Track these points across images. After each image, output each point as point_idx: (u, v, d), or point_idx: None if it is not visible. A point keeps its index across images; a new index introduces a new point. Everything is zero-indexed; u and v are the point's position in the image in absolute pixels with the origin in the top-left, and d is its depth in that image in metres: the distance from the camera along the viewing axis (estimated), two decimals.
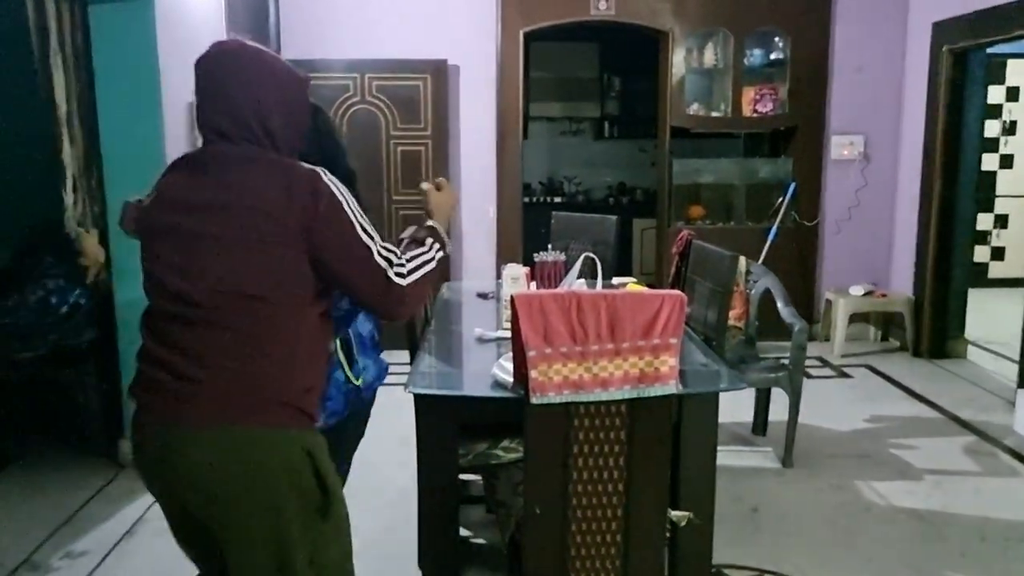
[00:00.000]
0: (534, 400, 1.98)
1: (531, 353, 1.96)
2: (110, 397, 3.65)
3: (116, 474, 3.55)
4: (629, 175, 7.93)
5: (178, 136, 3.60)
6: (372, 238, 1.58)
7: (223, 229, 1.49)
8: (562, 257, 2.95)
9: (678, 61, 5.59)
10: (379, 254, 1.58)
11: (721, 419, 2.37)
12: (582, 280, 2.61)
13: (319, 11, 5.39)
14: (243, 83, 1.56)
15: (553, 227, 4.11)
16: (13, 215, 4.02)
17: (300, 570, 1.54)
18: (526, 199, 7.66)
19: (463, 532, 2.96)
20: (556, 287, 2.95)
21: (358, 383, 2.29)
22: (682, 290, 3.19)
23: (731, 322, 3.97)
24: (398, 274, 1.59)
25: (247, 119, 1.56)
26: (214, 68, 1.59)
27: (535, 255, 2.99)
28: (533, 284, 2.90)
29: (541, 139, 7.95)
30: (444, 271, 5.49)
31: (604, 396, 2.00)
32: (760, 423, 4.01)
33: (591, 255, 2.71)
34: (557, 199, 7.72)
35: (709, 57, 5.68)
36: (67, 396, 3.71)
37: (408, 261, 1.64)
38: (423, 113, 5.43)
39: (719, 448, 2.38)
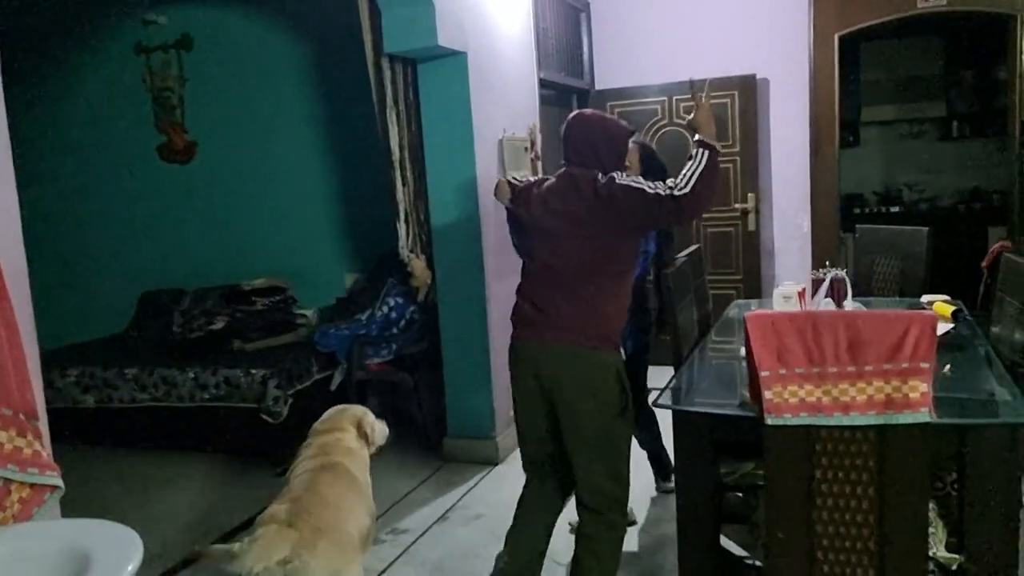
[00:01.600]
0: (769, 421, 1.97)
1: (764, 373, 1.96)
2: (437, 400, 4.22)
3: (440, 467, 4.09)
4: (985, 178, 7.03)
5: (489, 168, 4.05)
6: (656, 188, 2.30)
7: (579, 231, 2.39)
8: (843, 274, 2.81)
9: None
10: (662, 193, 2.28)
11: None
12: (829, 299, 2.48)
13: (628, 41, 5.65)
14: (586, 132, 2.48)
15: (857, 241, 3.87)
16: (368, 244, 4.83)
17: (614, 433, 2.43)
18: (857, 210, 7.19)
19: (740, 552, 2.94)
20: (836, 308, 2.82)
21: None
22: (989, 309, 2.84)
23: None
24: (680, 190, 2.26)
25: (585, 152, 2.45)
26: (571, 125, 2.52)
27: (814, 272, 2.89)
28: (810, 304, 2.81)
29: (874, 146, 7.39)
30: (753, 282, 5.40)
31: (846, 421, 1.93)
32: None
33: (840, 273, 2.56)
34: (894, 209, 7.11)
35: None
36: (405, 397, 4.37)
37: (682, 179, 2.28)
38: (731, 130, 5.40)
39: None
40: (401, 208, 3.92)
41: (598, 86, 5.74)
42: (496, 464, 4.04)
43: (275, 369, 4.22)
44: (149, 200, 5.48)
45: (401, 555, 3.20)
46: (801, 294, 2.80)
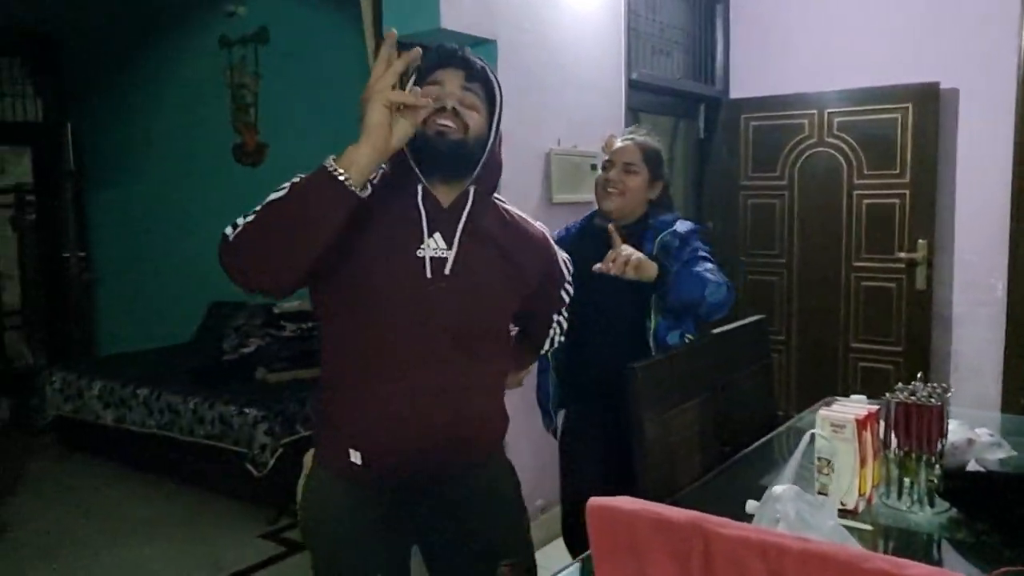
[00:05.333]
0: None
1: None
2: None
3: None
4: None
5: (526, 189, 3.20)
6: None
7: None
8: (943, 399, 1.67)
9: None
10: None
11: None
12: (794, 492, 1.26)
13: (771, 43, 4.49)
14: None
15: None
16: None
17: None
18: None
19: None
20: (928, 452, 1.68)
21: None
22: None
23: None
24: (234, 225, 1.38)
25: None
26: None
27: (896, 388, 1.75)
28: (870, 441, 1.68)
29: None
30: (919, 357, 4.02)
31: None
32: None
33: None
34: None
35: None
36: None
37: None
38: (900, 155, 4.10)
39: None
40: None
41: (733, 93, 4.65)
42: None
43: (271, 411, 3.61)
44: (223, 203, 5.14)
45: None
46: (865, 422, 1.69)
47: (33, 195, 5.87)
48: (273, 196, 1.36)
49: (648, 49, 4.07)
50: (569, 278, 1.77)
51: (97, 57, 5.61)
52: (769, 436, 2.21)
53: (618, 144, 2.36)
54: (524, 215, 1.69)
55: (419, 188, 1.48)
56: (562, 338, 1.85)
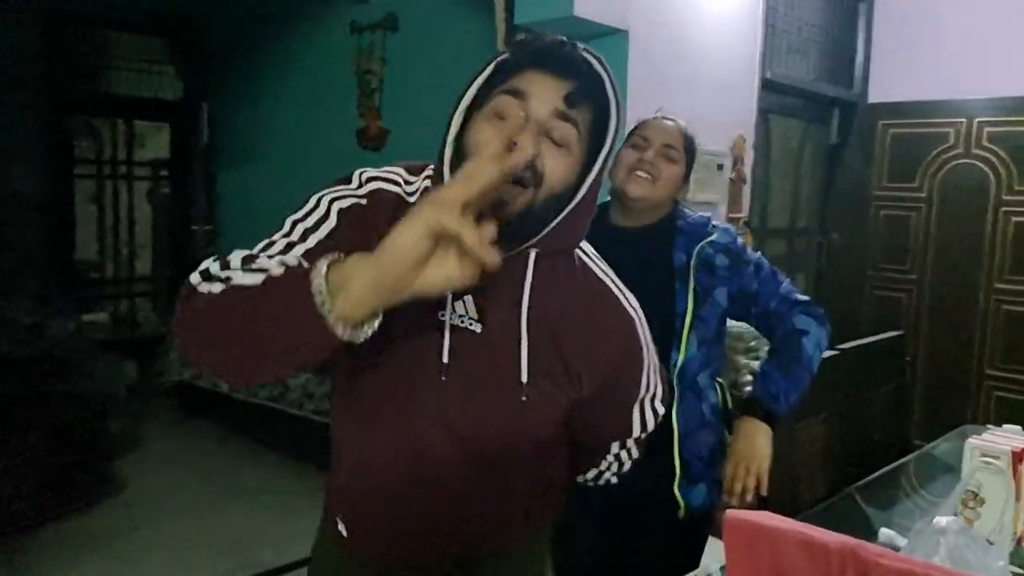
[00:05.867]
0: None
1: None
2: None
3: None
4: None
5: None
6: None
7: None
8: None
9: None
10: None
11: None
12: (954, 516, 1.15)
13: (916, 45, 4.21)
14: None
15: None
16: None
17: None
18: None
19: None
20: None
21: None
22: None
23: None
24: (203, 274, 0.99)
25: None
26: None
27: None
28: None
29: None
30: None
31: None
32: None
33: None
34: None
35: None
36: None
37: (246, 261, 0.98)
38: None
39: None
40: None
41: (872, 98, 4.40)
42: None
43: None
44: None
45: None
46: (1022, 455, 1.54)
47: (168, 170, 6.18)
48: (242, 280, 0.94)
49: (784, 47, 3.90)
50: (657, 403, 1.28)
51: (235, 40, 5.84)
52: (900, 461, 2.07)
53: (656, 120, 1.86)
54: (613, 283, 1.20)
55: None
56: (614, 478, 1.35)
